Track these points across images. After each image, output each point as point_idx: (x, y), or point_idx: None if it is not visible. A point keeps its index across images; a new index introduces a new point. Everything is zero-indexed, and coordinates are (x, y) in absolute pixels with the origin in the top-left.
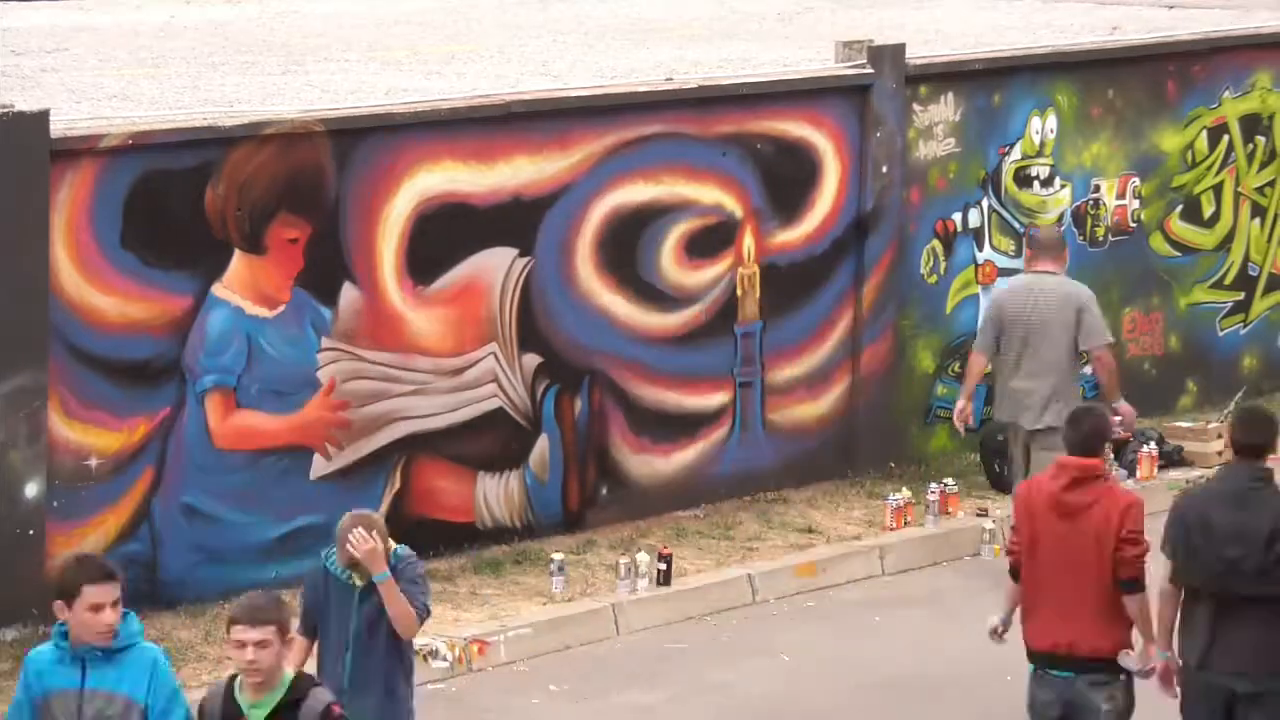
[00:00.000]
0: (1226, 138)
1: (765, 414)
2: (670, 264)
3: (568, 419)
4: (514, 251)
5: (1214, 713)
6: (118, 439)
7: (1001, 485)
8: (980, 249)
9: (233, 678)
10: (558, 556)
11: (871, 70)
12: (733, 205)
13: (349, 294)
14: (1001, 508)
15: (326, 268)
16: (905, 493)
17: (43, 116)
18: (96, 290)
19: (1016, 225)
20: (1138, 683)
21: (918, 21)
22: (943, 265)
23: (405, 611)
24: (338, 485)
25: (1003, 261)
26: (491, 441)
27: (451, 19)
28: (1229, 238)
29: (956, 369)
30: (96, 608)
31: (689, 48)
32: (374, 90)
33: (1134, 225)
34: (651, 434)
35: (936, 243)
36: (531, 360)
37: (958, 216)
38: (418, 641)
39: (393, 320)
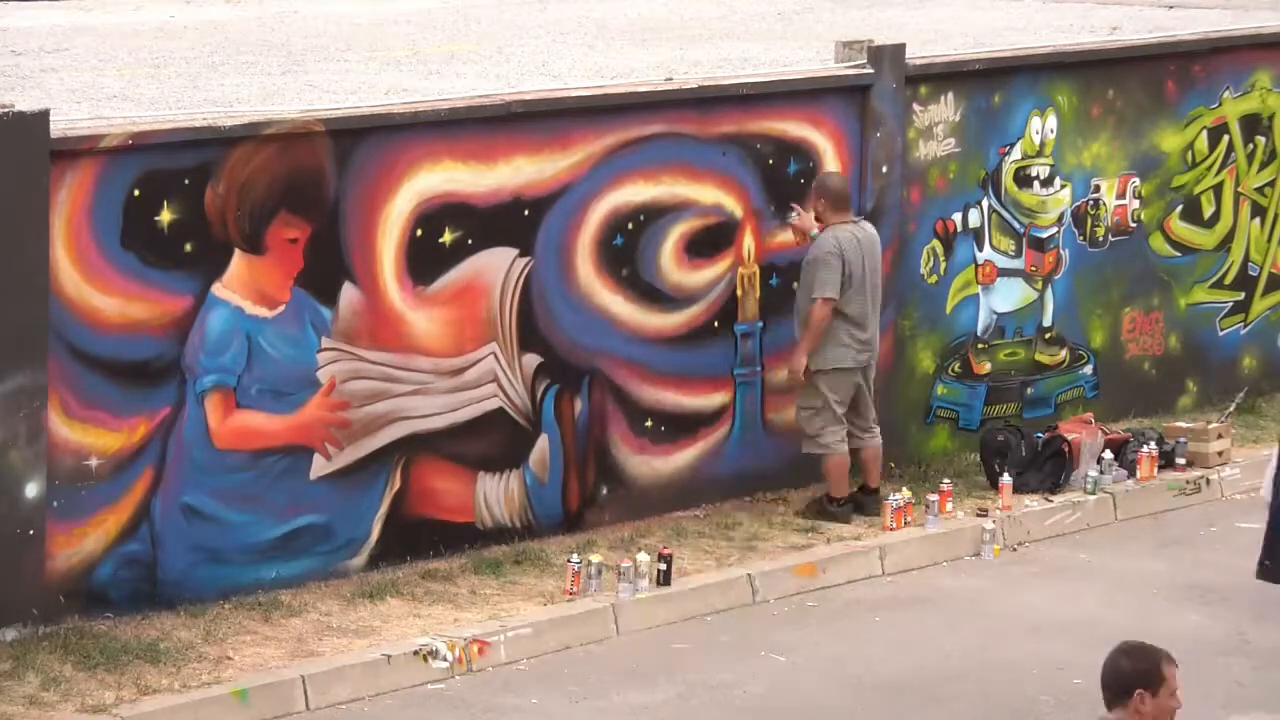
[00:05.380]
0: (1226, 138)
1: (765, 414)
2: (670, 264)
3: (568, 419)
4: (514, 251)
5: None
6: (118, 439)
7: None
8: (980, 249)
9: None
10: (595, 558)
11: (871, 70)
12: (733, 205)
13: (349, 294)
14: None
15: (326, 268)
16: (905, 493)
17: (43, 116)
18: (96, 290)
19: (1016, 225)
20: None
21: (918, 21)
22: (943, 265)
23: None
24: (338, 485)
25: (1003, 262)
26: (491, 441)
27: (451, 19)
28: (1229, 238)
29: (956, 369)
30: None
31: (689, 48)
32: (374, 90)
33: (1134, 225)
34: (651, 434)
35: (936, 243)
36: (531, 360)
37: (958, 216)
38: (418, 641)
39: (393, 320)
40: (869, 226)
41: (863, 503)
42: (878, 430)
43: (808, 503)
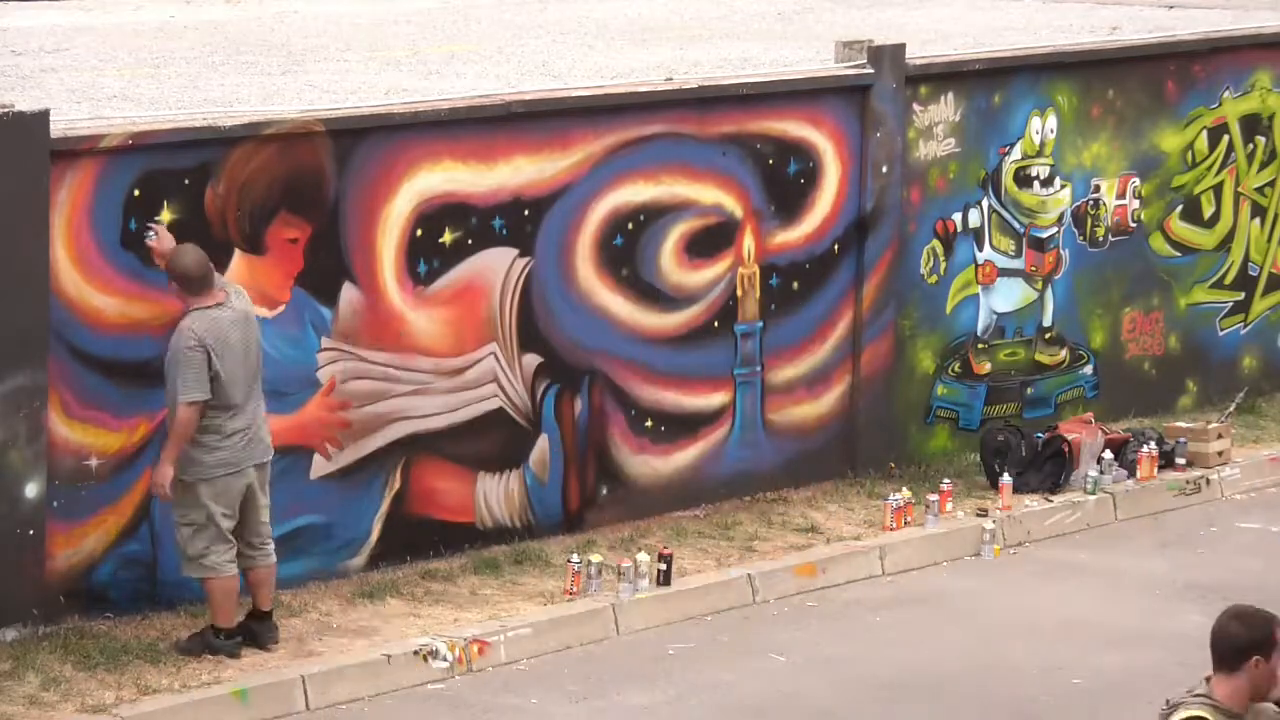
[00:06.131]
0: (1226, 138)
1: (765, 414)
2: (670, 264)
3: (568, 419)
4: (514, 251)
5: None
6: (118, 439)
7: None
8: (980, 249)
9: None
10: (595, 558)
11: (871, 70)
12: (733, 205)
13: (349, 294)
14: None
15: (326, 268)
16: (905, 493)
17: (43, 116)
18: (96, 290)
19: (1016, 225)
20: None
21: (918, 21)
22: (943, 265)
23: None
24: (338, 485)
25: (1003, 262)
26: (491, 441)
27: (451, 19)
28: (1229, 238)
29: (957, 369)
30: None
31: (689, 48)
32: (374, 90)
33: (1134, 225)
34: (651, 434)
35: (936, 243)
36: (531, 360)
37: (958, 216)
38: (418, 641)
39: (393, 320)
40: (240, 300)
41: (256, 631)
42: (271, 547)
43: (189, 636)
